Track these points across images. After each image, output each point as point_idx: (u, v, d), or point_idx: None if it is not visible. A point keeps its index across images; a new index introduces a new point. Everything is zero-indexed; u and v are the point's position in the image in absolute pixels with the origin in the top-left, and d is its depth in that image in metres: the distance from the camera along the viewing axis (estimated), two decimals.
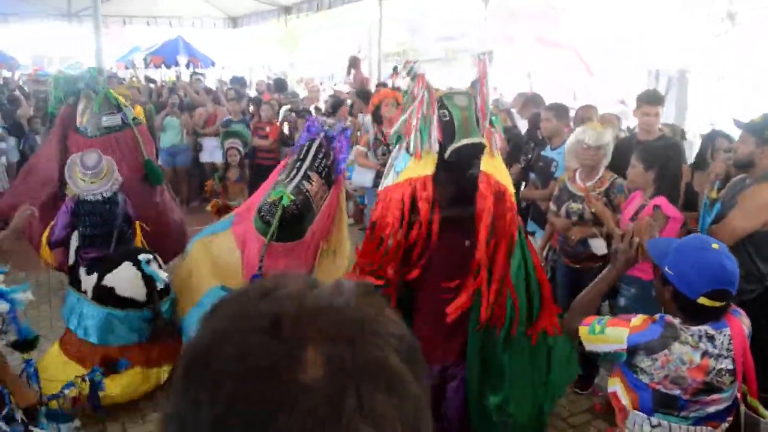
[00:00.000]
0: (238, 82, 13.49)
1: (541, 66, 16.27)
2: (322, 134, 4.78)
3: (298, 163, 4.68)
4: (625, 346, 2.27)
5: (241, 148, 7.04)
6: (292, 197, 4.33)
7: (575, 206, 4.36)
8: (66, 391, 3.60)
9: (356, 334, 0.63)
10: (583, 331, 2.39)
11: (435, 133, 2.95)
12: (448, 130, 2.93)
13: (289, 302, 0.66)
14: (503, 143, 5.50)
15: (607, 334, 2.32)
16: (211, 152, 9.48)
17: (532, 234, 5.45)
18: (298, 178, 4.55)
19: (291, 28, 16.66)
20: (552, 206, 4.61)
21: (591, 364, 4.53)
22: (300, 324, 0.63)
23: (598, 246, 4.26)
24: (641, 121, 5.05)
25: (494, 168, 3.04)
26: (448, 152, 2.92)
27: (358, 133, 8.51)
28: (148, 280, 4.32)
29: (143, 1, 13.95)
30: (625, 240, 2.52)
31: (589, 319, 2.41)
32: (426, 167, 2.98)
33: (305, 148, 4.74)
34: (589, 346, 2.40)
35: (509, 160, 5.39)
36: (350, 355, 0.61)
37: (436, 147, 2.96)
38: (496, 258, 2.97)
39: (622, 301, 4.08)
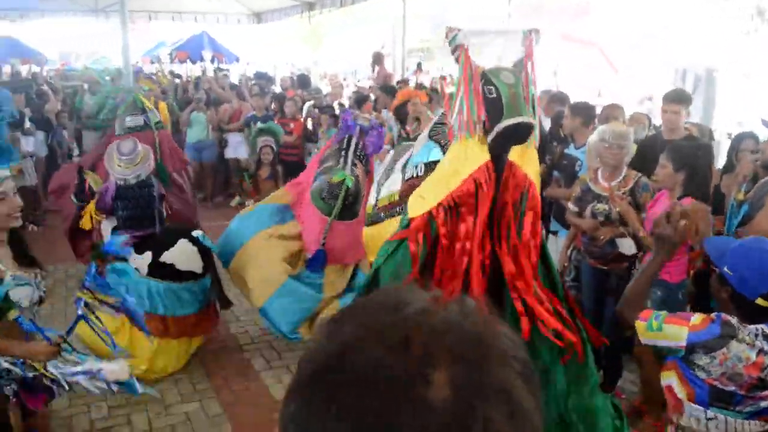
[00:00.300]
0: (262, 78, 13.57)
1: (565, 63, 16.15)
2: (358, 127, 5.03)
3: (343, 152, 4.97)
4: (684, 344, 2.30)
5: (274, 146, 7.03)
6: (353, 179, 4.76)
7: (601, 207, 4.32)
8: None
9: (483, 356, 0.64)
10: (640, 326, 2.41)
11: (480, 111, 2.60)
12: (495, 108, 2.58)
13: (419, 319, 0.66)
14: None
15: (665, 331, 2.35)
16: (236, 148, 9.54)
17: (555, 233, 5.43)
18: (349, 164, 4.90)
19: (314, 24, 16.72)
20: (573, 207, 4.56)
21: (614, 367, 4.51)
22: (429, 342, 0.63)
23: (627, 246, 4.22)
24: (664, 119, 5.00)
25: (525, 159, 2.75)
26: (493, 133, 2.58)
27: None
28: (204, 253, 4.78)
29: None
30: (672, 222, 2.47)
31: (645, 313, 2.43)
32: (477, 154, 2.61)
33: (346, 138, 5.02)
34: (645, 341, 2.43)
35: None
36: (478, 378, 0.62)
37: (480, 127, 2.62)
38: (522, 262, 2.67)
39: (647, 304, 4.04)
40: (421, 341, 0.63)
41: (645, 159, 4.58)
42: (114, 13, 13.81)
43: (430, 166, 2.89)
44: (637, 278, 2.62)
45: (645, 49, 19.83)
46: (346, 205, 4.76)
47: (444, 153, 2.85)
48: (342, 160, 4.94)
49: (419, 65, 11.23)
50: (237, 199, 9.83)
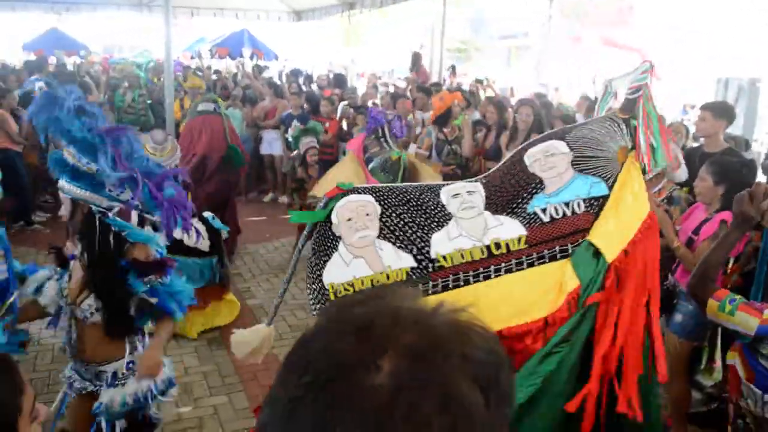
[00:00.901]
0: (297, 75, 13.65)
1: (606, 68, 15.96)
2: (383, 121, 6.06)
3: (382, 139, 5.99)
4: (753, 333, 2.41)
5: (317, 146, 7.08)
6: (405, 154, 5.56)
7: None
8: None
9: (429, 352, 0.68)
10: (712, 305, 2.50)
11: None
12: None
13: (382, 311, 0.72)
14: None
15: (737, 316, 2.44)
16: (270, 144, 9.64)
17: None
18: (392, 146, 5.91)
19: (354, 23, 16.77)
20: None
21: None
22: (384, 333, 0.69)
23: None
24: (696, 126, 4.92)
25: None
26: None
27: (418, 130, 8.52)
28: (213, 233, 5.18)
29: None
30: (756, 202, 2.51)
31: (720, 294, 2.51)
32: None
33: (380, 129, 6.02)
34: (712, 319, 2.53)
35: None
36: (418, 369, 0.66)
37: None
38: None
39: (678, 317, 3.98)
40: (377, 331, 0.69)
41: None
42: (157, 7, 14.04)
43: (592, 202, 2.49)
44: (708, 255, 2.63)
45: (688, 56, 19.50)
46: (404, 176, 5.52)
47: (609, 188, 2.51)
48: (385, 144, 5.94)
49: (453, 68, 11.18)
50: (270, 195, 9.93)
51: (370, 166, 5.82)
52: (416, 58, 10.74)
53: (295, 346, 0.73)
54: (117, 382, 2.88)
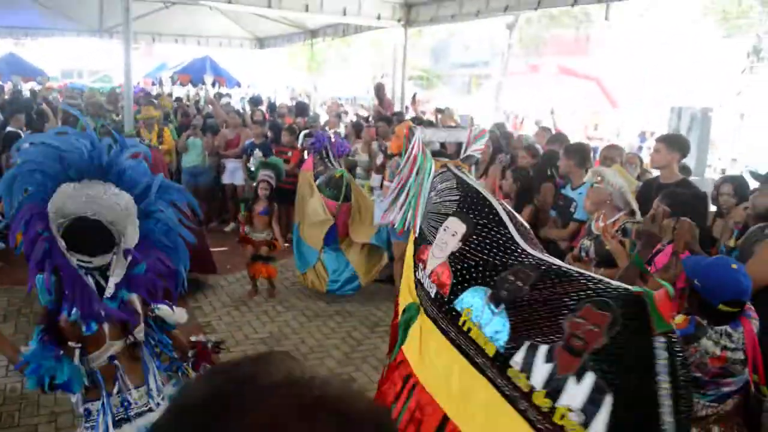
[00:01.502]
0: (255, 102, 13.60)
1: (563, 97, 16.33)
2: (326, 140, 7.18)
3: (326, 159, 7.09)
4: None
5: (273, 182, 6.98)
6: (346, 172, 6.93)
7: (586, 242, 4.37)
8: None
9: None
10: None
11: None
12: None
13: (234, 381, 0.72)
14: (511, 185, 5.49)
15: None
16: (233, 173, 9.55)
17: None
18: (335, 164, 7.06)
19: (316, 51, 16.86)
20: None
21: None
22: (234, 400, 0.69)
23: None
24: (651, 157, 5.05)
25: None
26: None
27: (380, 159, 8.54)
28: None
29: (173, 20, 14.14)
30: (657, 221, 2.99)
31: None
32: None
33: (324, 149, 7.12)
34: None
35: (519, 202, 5.38)
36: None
37: None
38: None
39: None
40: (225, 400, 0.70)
41: (643, 202, 4.60)
42: (118, 33, 13.93)
43: None
44: (622, 275, 2.91)
45: (643, 85, 20.07)
46: (347, 192, 6.69)
47: None
48: (329, 163, 7.06)
49: (414, 97, 11.28)
50: (232, 224, 9.81)
51: (317, 182, 6.91)
52: (379, 89, 10.81)
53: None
54: None
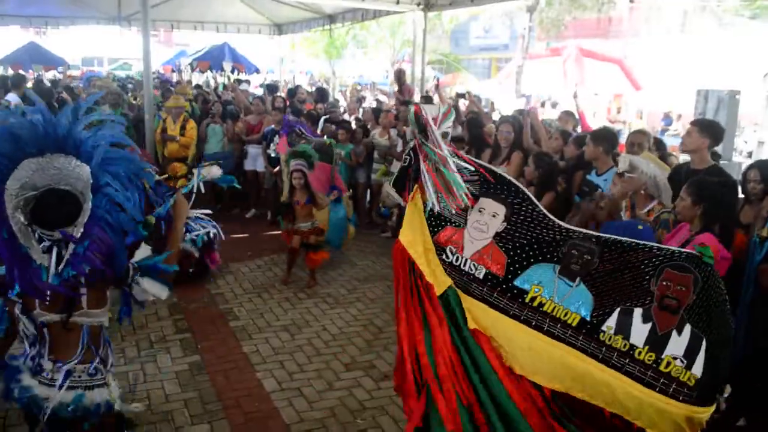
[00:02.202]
0: (272, 90, 13.54)
1: (585, 79, 16.07)
2: (296, 126, 8.34)
3: (303, 135, 8.07)
4: None
5: (306, 170, 6.87)
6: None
7: None
8: None
9: None
10: None
11: None
12: None
13: None
14: (532, 172, 5.37)
15: None
16: (254, 159, 9.53)
17: None
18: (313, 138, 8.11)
19: (334, 36, 16.75)
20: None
21: None
22: None
23: None
24: (682, 140, 4.91)
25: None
26: None
27: (400, 146, 8.49)
28: None
29: (191, 7, 14.13)
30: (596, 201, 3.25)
31: None
32: None
33: (295, 131, 8.18)
34: None
35: (541, 189, 5.27)
36: None
37: None
38: None
39: None
40: None
41: (671, 188, 4.49)
42: (136, 20, 13.93)
43: None
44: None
45: (667, 67, 19.70)
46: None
47: None
48: (310, 137, 8.11)
49: (437, 82, 11.15)
50: (252, 210, 9.83)
51: (308, 147, 7.25)
52: (400, 75, 10.68)
53: None
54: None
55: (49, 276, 2.51)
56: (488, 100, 14.40)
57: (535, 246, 2.58)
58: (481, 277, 2.66)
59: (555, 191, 5.21)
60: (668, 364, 2.38)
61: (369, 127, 9.51)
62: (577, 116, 7.73)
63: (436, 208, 2.73)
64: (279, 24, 16.39)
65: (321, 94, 12.46)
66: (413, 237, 2.86)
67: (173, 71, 16.72)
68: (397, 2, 10.45)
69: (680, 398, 2.37)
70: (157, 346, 5.41)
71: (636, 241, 2.46)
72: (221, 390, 4.73)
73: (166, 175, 8.25)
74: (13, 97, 9.94)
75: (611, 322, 2.45)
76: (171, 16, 14.61)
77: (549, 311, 2.54)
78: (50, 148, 2.54)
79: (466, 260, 2.69)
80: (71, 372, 2.73)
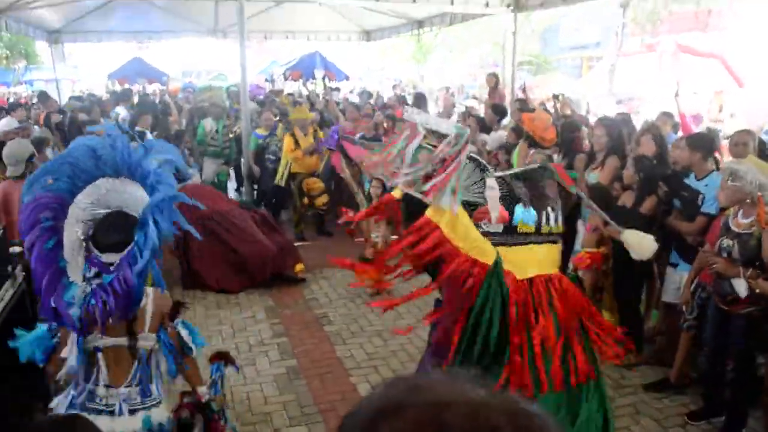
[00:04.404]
0: (365, 97, 13.67)
1: (683, 77, 15.38)
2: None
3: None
4: None
5: (386, 180, 6.94)
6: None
7: (727, 242, 4.09)
8: None
9: None
10: None
11: None
12: None
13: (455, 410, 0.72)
14: (632, 175, 5.18)
15: None
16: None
17: (675, 266, 5.14)
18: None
19: (422, 41, 16.78)
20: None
21: (738, 414, 4.23)
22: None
23: (740, 287, 3.96)
24: None
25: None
26: None
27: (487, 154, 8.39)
28: None
29: (283, 17, 14.53)
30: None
31: None
32: None
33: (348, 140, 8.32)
34: None
35: (642, 192, 5.09)
36: None
37: None
38: None
39: None
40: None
41: None
42: (232, 32, 14.49)
43: None
44: None
45: None
46: None
47: None
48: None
49: (524, 86, 10.95)
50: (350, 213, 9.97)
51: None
52: (494, 80, 10.50)
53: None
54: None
55: (76, 300, 2.53)
56: (581, 101, 14.01)
57: (509, 195, 3.46)
58: (501, 230, 3.40)
59: (657, 195, 5.03)
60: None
61: None
62: (677, 118, 7.42)
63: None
64: (368, 31, 16.61)
65: (419, 101, 12.35)
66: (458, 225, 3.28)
67: (266, 81, 17.23)
68: (487, 5, 10.39)
69: None
70: (255, 349, 5.61)
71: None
72: (317, 394, 4.85)
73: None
74: (121, 110, 10.57)
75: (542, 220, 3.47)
76: (263, 26, 15.08)
77: (526, 231, 3.44)
78: (123, 173, 2.67)
79: (493, 224, 3.38)
80: (127, 396, 2.78)
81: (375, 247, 6.80)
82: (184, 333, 3.00)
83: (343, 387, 4.98)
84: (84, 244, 2.62)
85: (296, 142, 8.61)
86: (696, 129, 7.45)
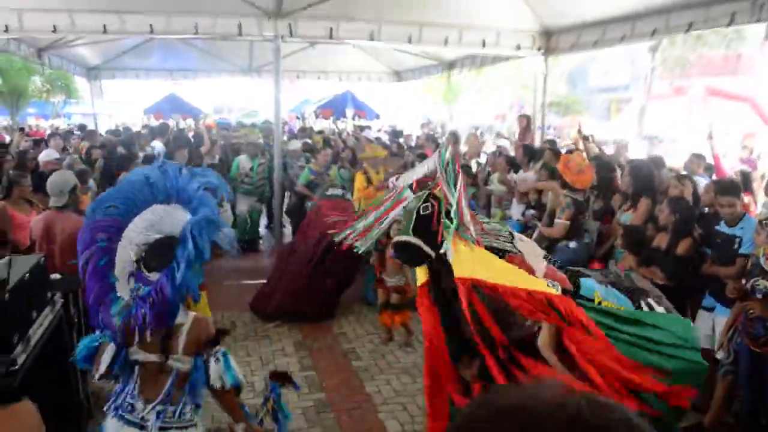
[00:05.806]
0: (395, 135, 13.79)
1: (712, 120, 15.32)
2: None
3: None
4: None
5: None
6: None
7: (763, 283, 4.05)
8: None
9: None
10: None
11: None
12: None
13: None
14: (668, 216, 5.16)
15: None
16: None
17: (710, 310, 5.08)
18: None
19: (453, 82, 16.96)
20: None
21: None
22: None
23: None
24: None
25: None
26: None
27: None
28: None
29: (316, 58, 14.84)
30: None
31: None
32: None
33: None
34: None
35: (677, 235, 5.06)
36: None
37: None
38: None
39: None
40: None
41: None
42: (265, 71, 14.82)
43: None
44: None
45: None
46: None
47: None
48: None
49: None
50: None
51: None
52: (525, 121, 10.56)
53: None
54: None
55: (119, 312, 2.70)
56: (617, 144, 13.98)
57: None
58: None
59: (692, 237, 5.00)
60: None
61: (490, 171, 9.51)
62: (711, 159, 7.39)
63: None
64: (398, 71, 16.87)
65: (452, 138, 12.39)
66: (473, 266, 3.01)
67: (297, 118, 17.53)
68: (518, 47, 10.49)
69: None
70: None
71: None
72: (346, 428, 4.84)
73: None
74: (158, 144, 10.79)
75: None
76: (296, 66, 15.40)
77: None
78: (173, 198, 2.87)
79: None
80: (162, 413, 2.83)
81: (399, 293, 6.38)
82: (213, 367, 2.92)
83: (372, 423, 4.97)
84: (135, 264, 2.76)
85: (368, 180, 8.36)
86: (729, 171, 7.40)
